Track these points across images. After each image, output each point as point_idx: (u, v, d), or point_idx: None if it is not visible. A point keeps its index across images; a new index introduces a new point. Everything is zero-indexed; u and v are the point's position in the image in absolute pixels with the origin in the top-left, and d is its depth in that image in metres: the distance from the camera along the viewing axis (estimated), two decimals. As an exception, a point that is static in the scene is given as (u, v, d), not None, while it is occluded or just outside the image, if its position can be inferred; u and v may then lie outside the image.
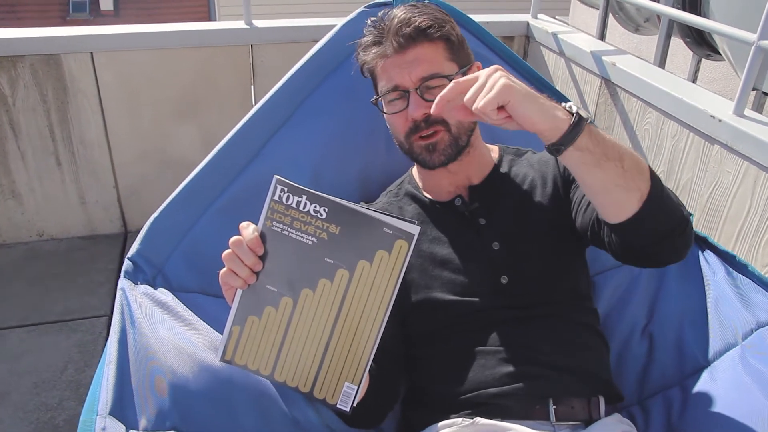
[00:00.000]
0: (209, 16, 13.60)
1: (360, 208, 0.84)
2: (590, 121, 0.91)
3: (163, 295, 1.08)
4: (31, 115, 2.32)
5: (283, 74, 1.38)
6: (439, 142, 1.13)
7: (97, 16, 14.19)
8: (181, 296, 1.09)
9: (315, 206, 0.84)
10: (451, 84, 0.91)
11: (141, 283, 1.10)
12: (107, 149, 2.46)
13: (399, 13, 1.13)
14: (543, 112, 0.88)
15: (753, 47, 1.62)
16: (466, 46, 1.21)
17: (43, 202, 2.48)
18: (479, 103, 0.87)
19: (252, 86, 2.48)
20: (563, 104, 0.92)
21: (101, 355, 1.96)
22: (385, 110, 1.17)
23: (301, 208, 0.84)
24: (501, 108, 0.88)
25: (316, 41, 1.43)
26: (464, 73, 1.16)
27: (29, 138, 2.35)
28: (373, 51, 1.14)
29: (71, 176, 2.46)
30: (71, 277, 2.37)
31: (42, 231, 2.54)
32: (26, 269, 2.41)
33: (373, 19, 1.18)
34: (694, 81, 2.78)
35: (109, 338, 1.00)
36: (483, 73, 0.90)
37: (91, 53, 2.28)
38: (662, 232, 0.98)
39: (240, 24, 2.41)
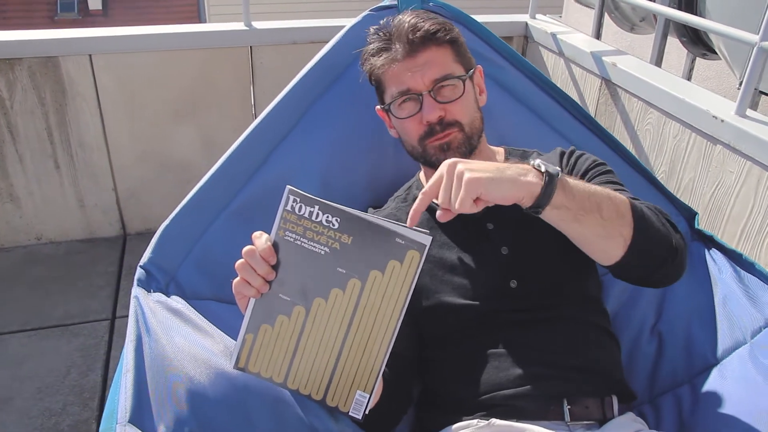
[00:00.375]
0: (198, 16, 13.55)
1: (372, 218, 0.84)
2: (559, 176, 0.92)
3: (177, 302, 1.07)
4: (29, 118, 2.30)
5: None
6: (452, 140, 1.14)
7: (85, 16, 14.10)
8: (195, 303, 1.09)
9: (327, 216, 0.84)
10: (420, 197, 0.92)
11: (154, 291, 1.10)
12: (106, 152, 2.44)
13: (406, 18, 1.15)
14: (514, 184, 0.89)
15: (755, 48, 1.63)
16: (468, 49, 1.23)
17: (41, 206, 2.47)
18: (456, 206, 0.89)
19: (251, 88, 2.47)
20: (532, 164, 0.93)
21: (103, 359, 1.96)
22: (396, 115, 1.17)
23: (313, 218, 0.84)
24: (477, 198, 0.89)
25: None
26: (471, 77, 1.19)
27: (27, 141, 2.33)
28: (383, 56, 1.15)
29: (70, 179, 2.45)
30: (71, 281, 2.36)
31: (40, 234, 2.53)
32: (25, 273, 2.40)
33: (375, 27, 1.20)
34: (688, 79, 2.80)
35: (125, 346, 1.00)
36: (443, 171, 0.91)
37: (90, 55, 2.27)
38: (652, 266, 1.03)
39: (239, 25, 2.40)
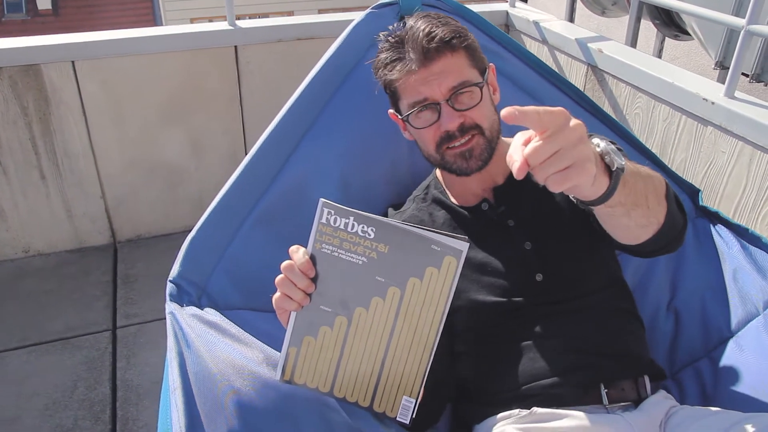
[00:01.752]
0: (153, 15, 13.26)
1: (407, 226, 0.85)
2: (624, 172, 0.84)
3: (211, 314, 1.07)
4: (11, 129, 2.24)
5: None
6: (475, 147, 1.14)
7: (35, 16, 13.66)
8: (228, 314, 1.09)
9: (362, 227, 0.85)
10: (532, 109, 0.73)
11: (187, 305, 1.10)
12: (92, 159, 2.39)
13: (418, 25, 1.12)
14: (591, 181, 0.79)
15: (742, 31, 1.68)
16: (480, 49, 1.21)
17: (27, 217, 2.41)
18: (543, 171, 0.74)
19: (238, 87, 2.44)
20: (594, 143, 0.83)
21: (110, 370, 1.94)
22: (414, 125, 1.16)
23: (349, 229, 0.85)
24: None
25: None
26: (486, 81, 1.17)
27: (11, 152, 2.27)
28: (398, 68, 1.12)
29: (56, 189, 2.39)
30: (65, 293, 2.31)
31: (28, 247, 2.47)
32: (17, 288, 2.34)
33: (384, 33, 1.17)
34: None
35: (169, 364, 1.00)
36: (559, 129, 0.73)
37: (73, 62, 2.21)
38: (666, 243, 1.07)
39: (224, 25, 2.37)
